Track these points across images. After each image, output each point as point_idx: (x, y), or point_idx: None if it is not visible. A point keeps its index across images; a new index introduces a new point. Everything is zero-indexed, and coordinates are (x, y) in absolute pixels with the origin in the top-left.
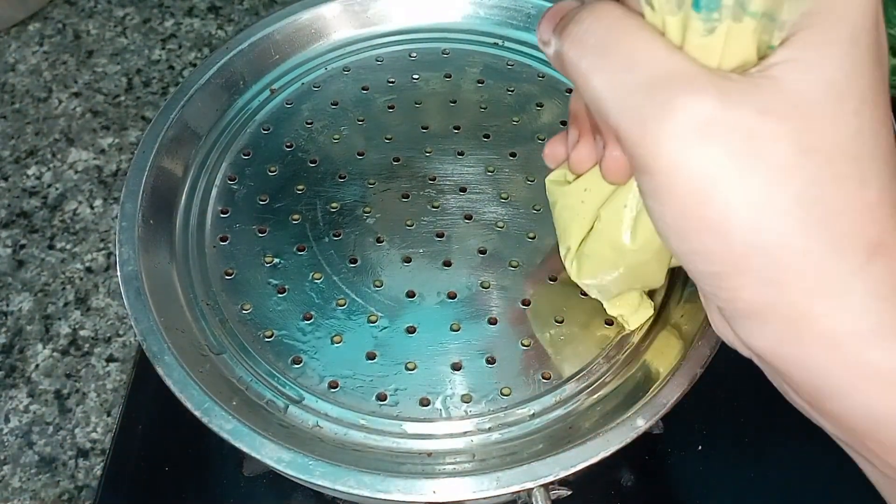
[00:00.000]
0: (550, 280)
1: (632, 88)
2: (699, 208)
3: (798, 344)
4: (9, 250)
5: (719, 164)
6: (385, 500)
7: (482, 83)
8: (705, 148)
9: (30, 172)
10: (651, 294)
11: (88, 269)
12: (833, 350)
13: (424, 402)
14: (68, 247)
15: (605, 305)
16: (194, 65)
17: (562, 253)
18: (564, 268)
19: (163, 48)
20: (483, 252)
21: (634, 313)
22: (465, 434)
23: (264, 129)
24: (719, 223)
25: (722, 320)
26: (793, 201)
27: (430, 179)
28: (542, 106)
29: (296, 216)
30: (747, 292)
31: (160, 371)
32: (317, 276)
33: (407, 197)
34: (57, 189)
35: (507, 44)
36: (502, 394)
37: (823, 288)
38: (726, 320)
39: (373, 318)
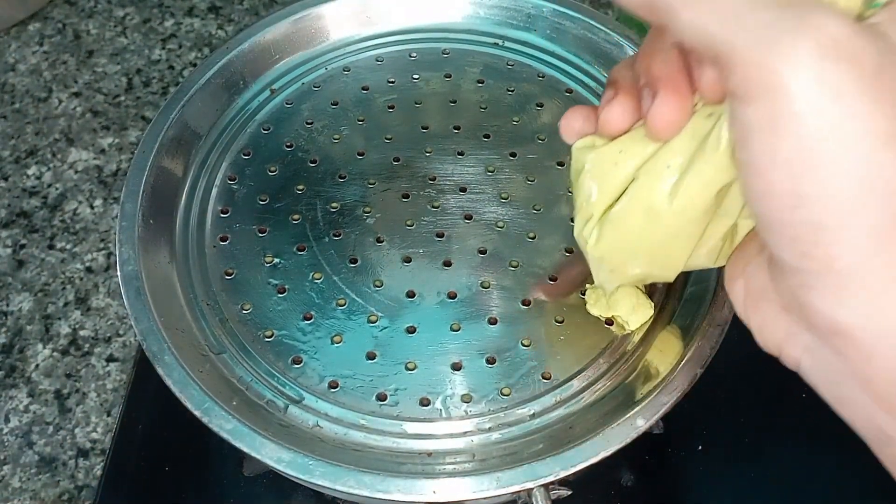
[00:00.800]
0: (550, 280)
1: (755, 5)
2: (822, 139)
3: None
4: (9, 250)
5: (851, 92)
6: (385, 500)
7: (482, 83)
8: (839, 72)
9: (30, 172)
10: (651, 294)
11: (88, 269)
12: None
13: (424, 402)
14: (68, 247)
15: (604, 306)
16: (194, 65)
17: (578, 227)
18: (567, 258)
19: (163, 48)
20: (483, 252)
21: (634, 313)
22: (465, 434)
23: (264, 129)
24: (843, 158)
25: (774, 315)
26: None
27: (430, 179)
28: (542, 106)
29: (296, 216)
30: (850, 248)
31: (160, 371)
32: (317, 276)
33: (407, 197)
34: (57, 189)
35: (507, 44)
36: (502, 394)
37: None
38: (798, 298)
39: (373, 318)
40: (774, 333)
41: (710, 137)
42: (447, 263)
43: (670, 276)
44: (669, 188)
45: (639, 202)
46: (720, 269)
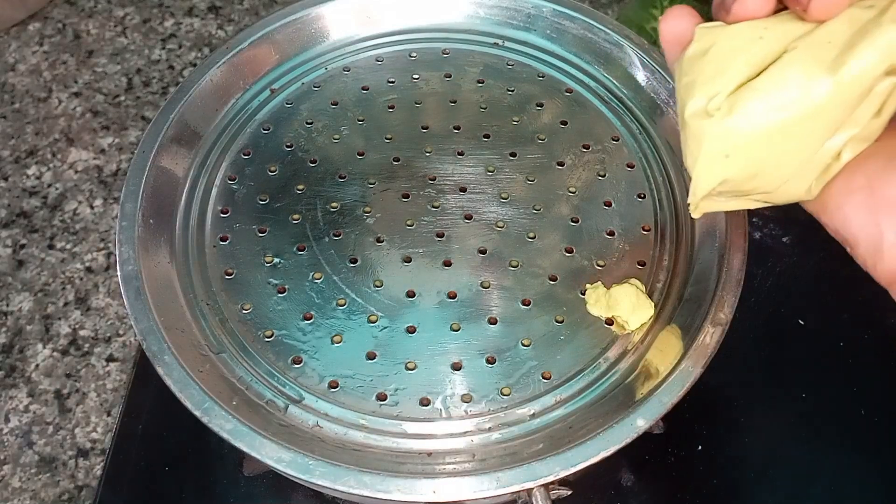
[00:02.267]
0: (550, 280)
1: None
2: None
3: None
4: (9, 250)
5: None
6: (385, 500)
7: (482, 83)
8: None
9: (30, 172)
10: (651, 294)
11: (88, 269)
12: None
13: (424, 402)
14: (68, 247)
15: (604, 306)
16: (194, 65)
17: (696, 104)
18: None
19: (163, 48)
20: (483, 252)
21: (634, 313)
22: (465, 434)
23: (264, 129)
24: None
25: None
26: None
27: (430, 179)
28: (542, 106)
29: (296, 216)
30: None
31: (160, 371)
32: (317, 275)
33: (407, 197)
34: (57, 189)
35: (507, 44)
36: (502, 394)
37: None
38: None
39: (373, 318)
40: (885, 224)
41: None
42: (447, 263)
43: (801, 188)
44: (831, 60)
45: (793, 70)
46: (720, 272)
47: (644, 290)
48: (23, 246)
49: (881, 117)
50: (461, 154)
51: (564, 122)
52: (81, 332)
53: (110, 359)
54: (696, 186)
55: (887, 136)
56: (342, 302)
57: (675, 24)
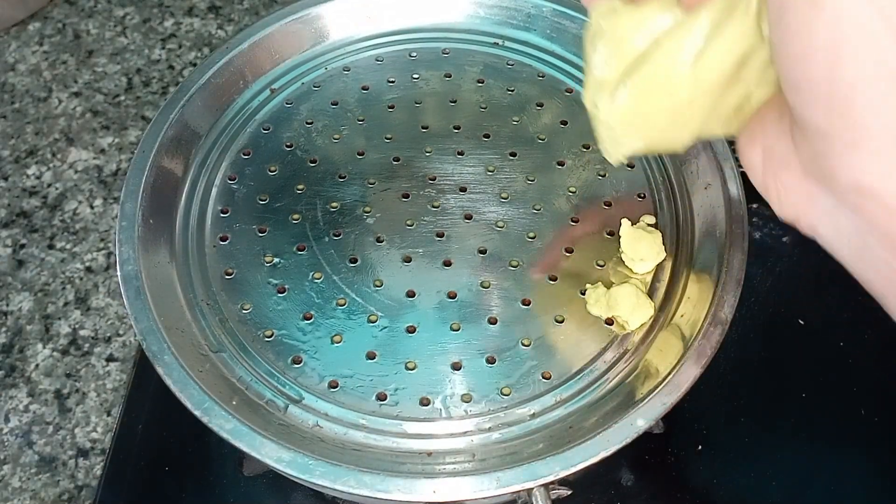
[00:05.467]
0: (550, 280)
1: None
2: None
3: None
4: (9, 250)
5: None
6: (385, 499)
7: (482, 83)
8: None
9: (30, 172)
10: (651, 294)
11: (88, 269)
12: None
13: (424, 402)
14: (68, 246)
15: (604, 306)
16: (194, 65)
17: (589, 92)
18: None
19: (163, 48)
20: (483, 252)
21: (634, 313)
22: (465, 434)
23: (264, 129)
24: (865, 28)
25: (795, 182)
26: None
27: (430, 179)
28: (542, 106)
29: (296, 216)
30: (872, 112)
31: (160, 371)
32: (317, 275)
33: (407, 197)
34: (57, 189)
35: (507, 44)
36: (502, 394)
37: None
38: (823, 160)
39: (373, 317)
40: (794, 200)
41: (741, 4)
42: (447, 263)
43: (680, 146)
44: (694, 53)
45: (661, 66)
46: (720, 272)
47: (644, 290)
48: (23, 246)
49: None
50: (461, 154)
51: (564, 122)
52: (81, 332)
53: (110, 359)
54: (611, 159)
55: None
56: (342, 302)
57: None
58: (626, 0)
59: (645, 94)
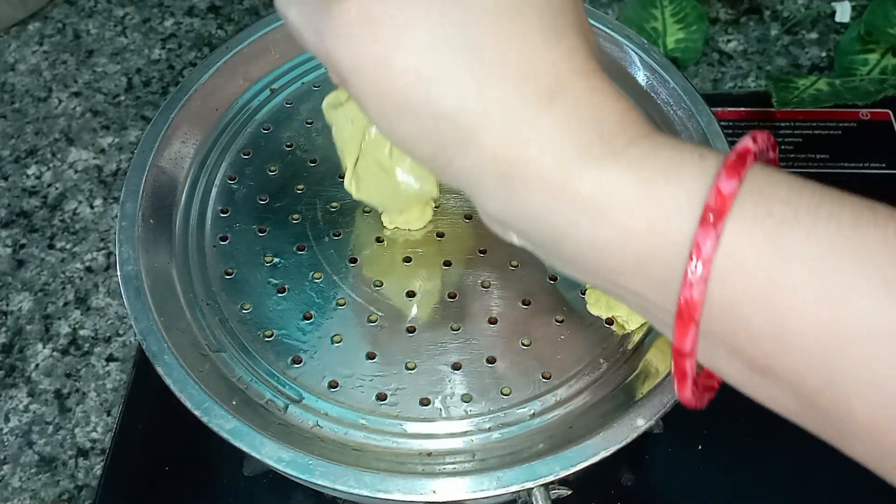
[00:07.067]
0: (550, 280)
1: (309, 9)
2: (383, 91)
3: (517, 197)
4: (9, 250)
5: (382, 48)
6: (385, 499)
7: None
8: (366, 36)
9: (30, 172)
10: None
11: (88, 269)
12: (543, 192)
13: (424, 402)
14: (68, 246)
15: (604, 306)
16: (194, 65)
17: (346, 180)
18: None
19: (163, 48)
20: (483, 252)
21: (634, 313)
22: (465, 434)
23: (264, 129)
24: (405, 99)
25: (484, 214)
26: (455, 61)
27: None
28: None
29: (296, 216)
30: (458, 163)
31: (160, 371)
32: (317, 275)
33: None
34: (57, 189)
35: None
36: (502, 393)
37: (514, 137)
38: (474, 202)
39: (373, 317)
40: (490, 224)
41: None
42: (447, 263)
43: (434, 193)
44: (387, 145)
45: (372, 159)
46: None
47: None
48: (23, 246)
49: None
50: None
51: None
52: (81, 332)
53: (110, 359)
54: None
55: None
56: (342, 302)
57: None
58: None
59: (373, 180)
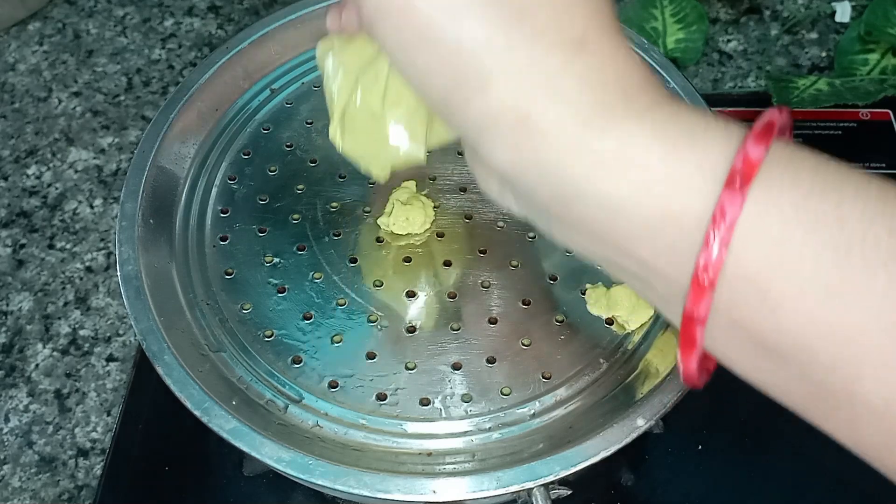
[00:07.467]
0: (550, 280)
1: None
2: (406, 20)
3: (531, 147)
4: (9, 250)
5: None
6: (385, 499)
7: None
8: None
9: (30, 172)
10: None
11: (88, 269)
12: (560, 144)
13: (424, 402)
14: (68, 246)
15: (604, 306)
16: (194, 64)
17: (331, 129)
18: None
19: (163, 48)
20: (483, 252)
21: (634, 313)
22: (465, 434)
23: (264, 129)
24: (428, 29)
25: (484, 172)
26: (487, 1)
27: (430, 179)
28: None
29: (296, 216)
30: (474, 104)
31: (160, 371)
32: (317, 275)
33: None
34: (57, 189)
35: None
36: (502, 394)
37: (537, 84)
38: (474, 155)
39: (373, 317)
40: (488, 185)
41: None
42: (447, 263)
43: (420, 157)
44: (382, 92)
45: (363, 106)
46: None
47: None
48: (23, 246)
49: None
50: (461, 154)
51: None
52: (81, 332)
53: (110, 359)
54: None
55: None
56: (342, 302)
57: (329, 18)
58: (344, 37)
59: (361, 129)
